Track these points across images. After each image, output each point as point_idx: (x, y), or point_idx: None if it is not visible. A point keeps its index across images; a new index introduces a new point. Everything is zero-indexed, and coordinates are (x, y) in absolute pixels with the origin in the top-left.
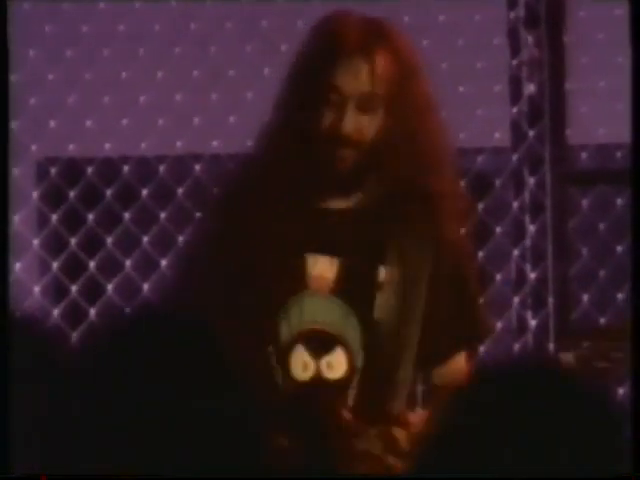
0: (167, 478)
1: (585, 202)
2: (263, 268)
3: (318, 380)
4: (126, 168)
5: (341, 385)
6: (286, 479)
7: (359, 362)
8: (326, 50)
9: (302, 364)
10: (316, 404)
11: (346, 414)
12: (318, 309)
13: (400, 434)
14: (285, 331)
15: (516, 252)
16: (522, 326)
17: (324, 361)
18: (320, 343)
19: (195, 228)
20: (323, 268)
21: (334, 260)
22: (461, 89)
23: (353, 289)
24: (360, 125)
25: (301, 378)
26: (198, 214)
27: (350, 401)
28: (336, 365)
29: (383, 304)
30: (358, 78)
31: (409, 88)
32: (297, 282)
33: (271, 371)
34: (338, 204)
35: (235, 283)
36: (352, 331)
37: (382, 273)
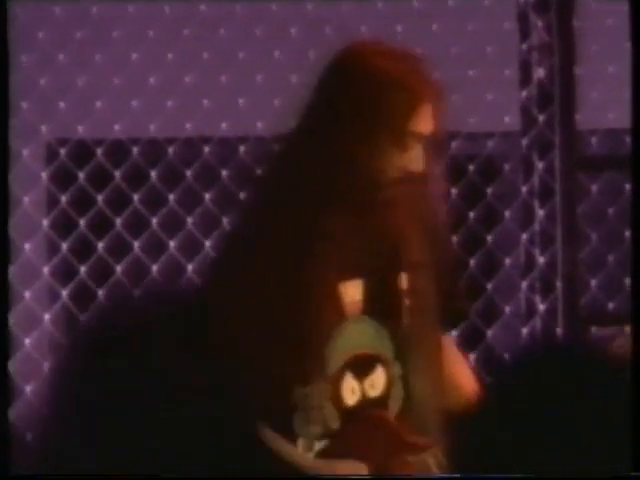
0: (167, 478)
1: (594, 187)
2: (301, 301)
3: (364, 400)
4: (135, 150)
5: (383, 399)
6: (286, 479)
7: (396, 373)
8: (403, 101)
9: (351, 390)
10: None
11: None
12: (357, 334)
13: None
14: (333, 362)
15: (525, 237)
16: (531, 310)
17: (367, 382)
18: (363, 366)
19: (225, 251)
20: (352, 292)
21: (358, 282)
22: (471, 73)
23: (380, 305)
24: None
25: (350, 403)
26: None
27: (392, 413)
28: (377, 383)
29: (410, 312)
30: (430, 121)
31: (441, 121)
32: (336, 312)
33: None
34: (351, 224)
35: (274, 318)
36: (386, 346)
37: (404, 281)
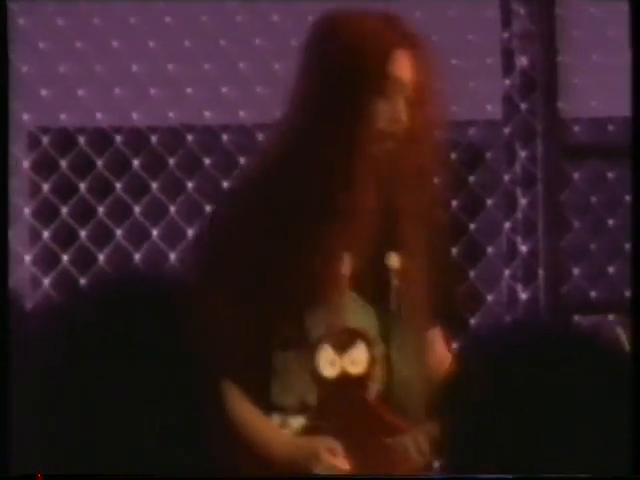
0: (167, 478)
1: (577, 175)
2: (285, 270)
3: (344, 376)
4: (118, 138)
5: (363, 378)
6: (285, 479)
7: (380, 353)
8: (376, 45)
9: (329, 361)
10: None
11: (375, 407)
12: (339, 306)
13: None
14: (314, 331)
15: (507, 225)
16: (512, 299)
17: (348, 357)
18: (344, 339)
19: (212, 224)
20: (339, 265)
21: (347, 255)
22: (453, 62)
23: (368, 282)
24: (406, 116)
25: (329, 375)
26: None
27: (373, 393)
28: (358, 360)
29: (398, 292)
30: (408, 67)
31: (431, 81)
32: (320, 282)
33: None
34: (344, 199)
35: (258, 285)
36: (371, 324)
37: (394, 260)
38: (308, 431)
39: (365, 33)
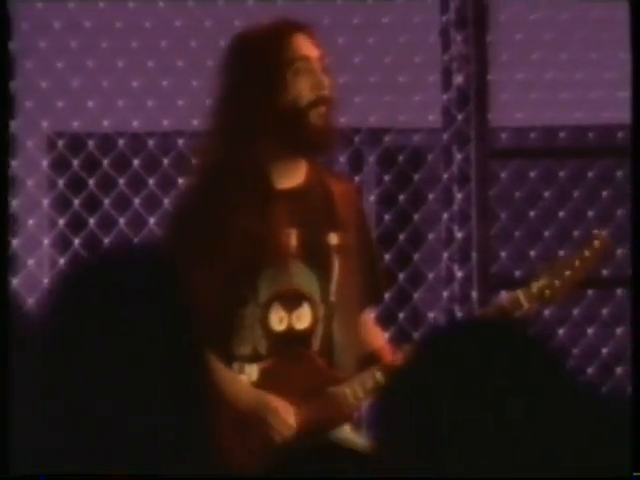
0: (167, 478)
1: (504, 174)
2: (243, 244)
3: (290, 330)
4: (121, 142)
5: (307, 334)
6: (285, 479)
7: (321, 313)
8: (277, 33)
9: (279, 318)
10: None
11: (315, 357)
12: (288, 273)
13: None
14: (265, 292)
15: (446, 215)
16: (450, 277)
17: (294, 315)
18: (291, 300)
19: (176, 207)
20: (287, 239)
21: (293, 231)
22: (400, 79)
23: (311, 254)
24: (324, 82)
25: (278, 329)
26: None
27: (316, 346)
28: (303, 318)
29: (339, 264)
30: (309, 45)
31: (320, 44)
32: (270, 253)
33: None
34: (287, 184)
35: (223, 256)
36: (314, 288)
37: (334, 238)
38: (263, 385)
39: (266, 31)
